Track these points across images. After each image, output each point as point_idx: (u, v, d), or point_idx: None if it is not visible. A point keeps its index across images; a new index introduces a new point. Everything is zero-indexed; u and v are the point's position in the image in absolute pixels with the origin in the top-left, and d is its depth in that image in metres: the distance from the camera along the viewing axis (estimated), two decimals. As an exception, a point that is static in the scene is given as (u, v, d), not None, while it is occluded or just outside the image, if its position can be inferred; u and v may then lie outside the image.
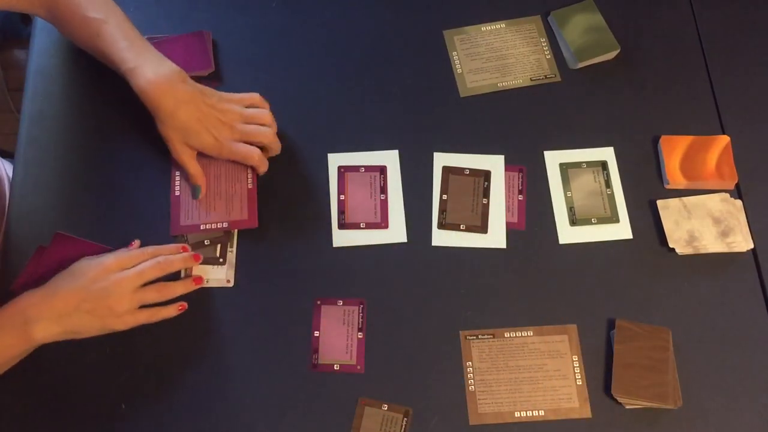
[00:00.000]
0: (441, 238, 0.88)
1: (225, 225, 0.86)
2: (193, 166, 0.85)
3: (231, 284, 0.84)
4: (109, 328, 0.76)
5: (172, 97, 0.80)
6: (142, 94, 0.81)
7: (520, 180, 0.91)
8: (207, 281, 0.84)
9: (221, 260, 0.85)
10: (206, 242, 0.85)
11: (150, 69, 0.81)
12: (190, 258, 0.81)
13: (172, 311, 0.79)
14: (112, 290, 0.74)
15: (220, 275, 0.84)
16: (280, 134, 0.91)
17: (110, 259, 0.77)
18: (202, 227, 0.85)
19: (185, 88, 0.81)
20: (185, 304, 0.80)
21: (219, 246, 0.85)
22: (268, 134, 0.86)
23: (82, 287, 0.74)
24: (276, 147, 0.87)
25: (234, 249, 0.86)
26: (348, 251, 0.87)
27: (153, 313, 0.78)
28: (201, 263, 0.83)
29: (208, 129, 0.82)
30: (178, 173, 0.88)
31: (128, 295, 0.75)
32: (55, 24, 0.88)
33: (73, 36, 0.87)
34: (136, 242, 0.82)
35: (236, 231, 0.86)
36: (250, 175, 0.88)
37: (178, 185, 0.87)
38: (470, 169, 0.91)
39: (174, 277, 0.81)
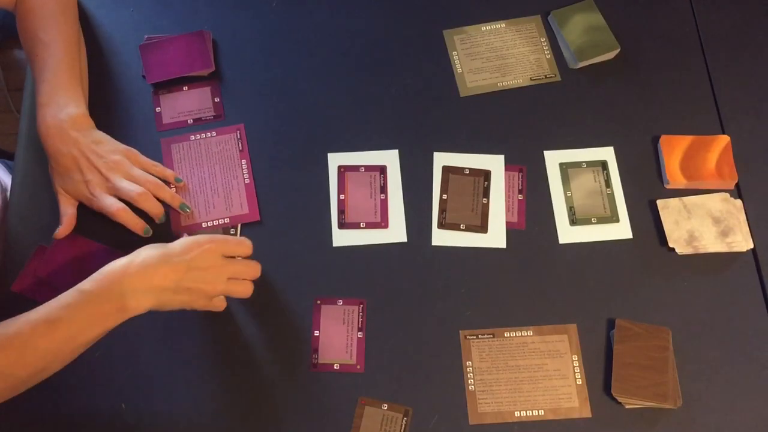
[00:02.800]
0: (441, 237, 0.88)
1: (226, 221, 0.86)
2: (64, 209, 0.84)
3: None
4: (195, 306, 0.77)
5: (60, 142, 0.81)
6: (38, 133, 0.82)
7: (520, 180, 0.91)
8: None
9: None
10: None
11: (51, 112, 0.82)
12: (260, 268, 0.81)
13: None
14: (211, 275, 0.75)
15: None
16: (282, 137, 0.91)
17: (208, 242, 0.76)
18: (203, 225, 0.86)
19: (75, 136, 0.82)
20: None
21: None
22: (145, 197, 0.83)
23: (180, 264, 0.74)
24: (155, 211, 0.84)
25: None
26: (348, 251, 0.87)
27: (237, 289, 0.78)
28: None
29: (82, 174, 0.82)
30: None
31: (222, 283, 0.76)
32: (17, 28, 0.89)
33: (24, 48, 0.88)
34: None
35: (238, 228, 0.86)
36: (245, 170, 0.88)
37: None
38: (470, 169, 0.91)
39: None
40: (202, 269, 0.75)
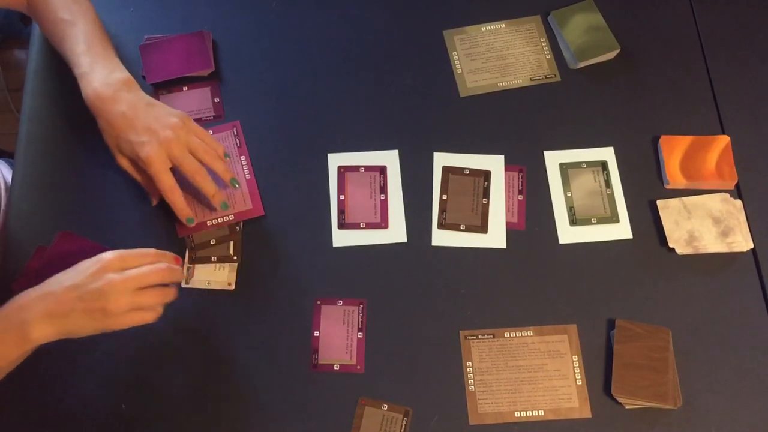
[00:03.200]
0: (441, 238, 0.88)
1: (231, 218, 0.86)
2: (131, 172, 0.83)
3: (232, 287, 0.84)
4: (105, 328, 0.73)
5: (113, 103, 0.80)
6: (86, 102, 0.81)
7: (520, 180, 0.91)
8: (208, 283, 0.84)
9: (235, 258, 0.85)
10: (212, 242, 0.85)
11: (97, 77, 0.81)
12: (179, 271, 0.77)
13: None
14: (108, 291, 0.71)
15: (222, 278, 0.84)
16: (282, 138, 0.91)
17: (110, 257, 0.74)
18: (208, 224, 0.85)
19: (129, 96, 0.80)
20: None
21: (232, 243, 0.85)
22: (203, 176, 0.81)
23: (77, 286, 0.72)
24: (211, 191, 0.82)
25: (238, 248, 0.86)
26: (348, 251, 0.87)
27: (147, 316, 0.74)
28: (212, 263, 0.84)
29: (137, 134, 0.79)
30: None
31: (125, 296, 0.71)
32: (34, 20, 0.90)
33: (47, 35, 0.89)
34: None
35: (242, 226, 0.86)
36: (245, 166, 0.88)
37: None
38: (470, 169, 0.91)
39: None
40: (97, 287, 0.71)
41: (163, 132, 0.79)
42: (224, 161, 0.84)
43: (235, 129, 0.91)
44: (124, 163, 0.83)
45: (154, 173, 0.79)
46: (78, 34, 0.84)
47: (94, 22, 0.86)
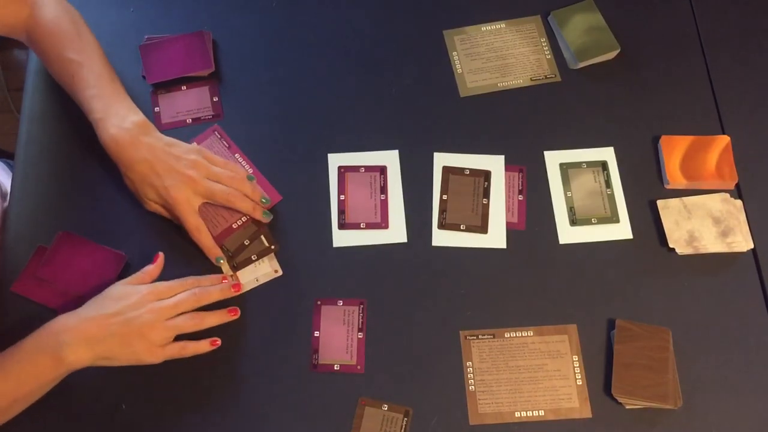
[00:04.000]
0: (441, 238, 0.87)
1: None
2: (165, 215, 0.83)
3: (279, 273, 0.85)
4: (140, 359, 0.75)
5: (133, 150, 0.80)
6: (105, 147, 0.81)
7: (520, 180, 0.91)
8: (257, 280, 0.84)
9: (272, 247, 0.85)
10: (246, 242, 0.85)
11: (113, 122, 0.80)
12: (228, 288, 0.80)
13: (204, 346, 0.78)
14: (146, 319, 0.73)
15: (266, 269, 0.85)
16: (282, 138, 0.91)
17: (147, 288, 0.76)
18: (234, 226, 0.85)
19: (148, 141, 0.81)
20: (218, 340, 0.79)
21: (262, 236, 0.85)
22: (239, 197, 0.82)
23: (116, 312, 0.73)
24: (249, 209, 0.83)
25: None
26: (348, 251, 0.87)
27: (183, 346, 0.77)
28: (253, 262, 0.84)
29: (161, 179, 0.80)
30: None
31: (162, 324, 0.74)
32: (34, 52, 0.88)
33: (51, 72, 0.87)
34: (160, 255, 0.81)
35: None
36: (243, 162, 0.89)
37: None
38: (470, 169, 0.91)
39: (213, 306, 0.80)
40: (136, 315, 0.73)
41: (186, 171, 0.80)
42: (249, 183, 0.84)
43: (216, 132, 0.91)
44: (155, 208, 0.83)
45: (180, 214, 0.81)
46: (88, 75, 0.83)
47: (102, 60, 0.85)
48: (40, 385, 0.73)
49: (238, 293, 0.81)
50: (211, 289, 0.79)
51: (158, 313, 0.74)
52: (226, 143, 0.90)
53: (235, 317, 0.81)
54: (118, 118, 0.81)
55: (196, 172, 0.81)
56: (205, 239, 0.82)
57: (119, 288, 0.77)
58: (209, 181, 0.81)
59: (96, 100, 0.82)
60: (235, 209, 0.83)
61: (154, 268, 0.80)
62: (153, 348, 0.75)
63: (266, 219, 0.84)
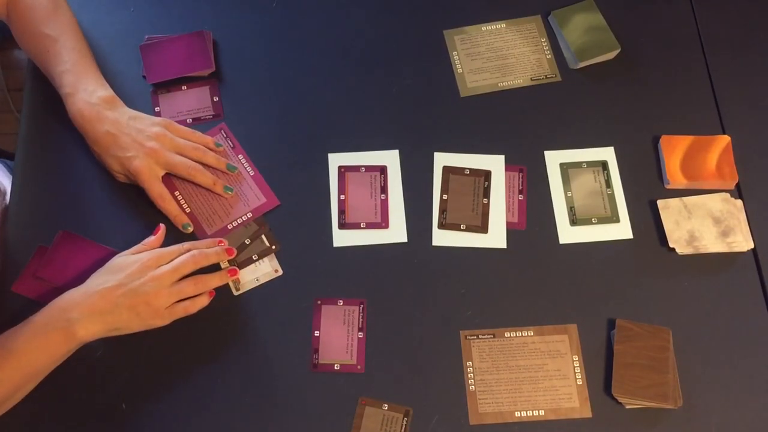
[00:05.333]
0: (441, 238, 0.87)
1: (249, 215, 0.86)
2: (147, 183, 0.84)
3: (280, 272, 0.85)
4: (149, 324, 0.77)
5: (98, 123, 0.82)
6: (72, 121, 0.83)
7: (521, 180, 0.91)
8: (257, 280, 0.84)
9: (273, 247, 0.85)
10: (247, 242, 0.85)
11: (81, 97, 0.83)
12: (223, 251, 0.81)
13: (204, 300, 0.80)
14: (150, 286, 0.75)
15: (267, 269, 0.85)
16: (282, 138, 0.91)
17: (147, 255, 0.78)
18: (229, 227, 0.85)
19: (112, 115, 0.83)
20: (213, 291, 0.81)
21: (263, 236, 0.85)
22: (199, 171, 0.84)
23: (120, 284, 0.75)
24: (210, 183, 0.85)
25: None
26: (348, 251, 0.87)
27: (188, 305, 0.79)
28: (254, 261, 0.85)
29: (123, 150, 0.82)
30: (177, 192, 0.87)
31: (166, 290, 0.76)
32: (11, 30, 0.89)
33: (25, 47, 0.88)
34: (162, 226, 0.83)
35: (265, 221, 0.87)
36: (246, 164, 0.89)
37: (183, 202, 0.87)
38: (470, 169, 0.91)
39: (210, 269, 0.82)
40: (139, 283, 0.75)
41: (147, 143, 0.82)
42: (214, 153, 0.86)
43: (223, 131, 0.91)
44: (123, 179, 0.86)
45: (142, 183, 0.83)
46: (61, 51, 0.85)
47: (77, 36, 0.87)
48: (54, 360, 0.75)
49: (232, 257, 0.83)
50: (208, 251, 0.80)
51: (160, 280, 0.76)
52: (232, 143, 0.90)
53: (235, 277, 0.82)
54: (86, 93, 0.83)
55: (157, 144, 0.83)
56: (169, 206, 0.84)
57: (121, 259, 0.78)
58: (171, 153, 0.83)
59: (67, 75, 0.84)
60: (196, 183, 0.85)
61: (155, 240, 0.82)
62: (160, 311, 0.77)
63: (227, 194, 0.86)
